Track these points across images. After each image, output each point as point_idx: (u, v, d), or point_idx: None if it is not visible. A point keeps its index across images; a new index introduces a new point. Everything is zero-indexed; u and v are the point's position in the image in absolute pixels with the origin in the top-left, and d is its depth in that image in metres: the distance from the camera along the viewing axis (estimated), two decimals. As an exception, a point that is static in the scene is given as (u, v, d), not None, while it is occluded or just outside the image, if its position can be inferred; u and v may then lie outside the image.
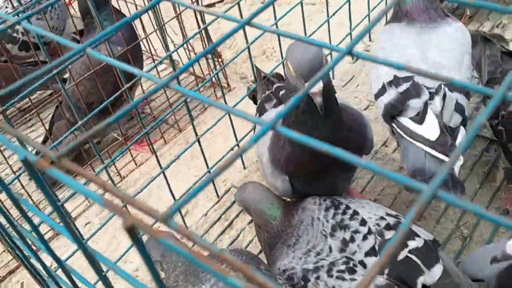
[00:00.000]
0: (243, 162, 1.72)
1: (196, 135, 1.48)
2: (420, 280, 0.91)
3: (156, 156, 1.41)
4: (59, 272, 1.03)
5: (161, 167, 1.40)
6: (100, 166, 1.42)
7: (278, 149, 1.16)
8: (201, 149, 1.50)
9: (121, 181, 1.80)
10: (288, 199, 1.25)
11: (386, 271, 0.93)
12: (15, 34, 2.11)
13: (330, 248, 1.01)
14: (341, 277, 0.95)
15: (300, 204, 1.14)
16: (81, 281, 0.70)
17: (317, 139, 0.35)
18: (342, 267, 0.96)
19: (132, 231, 0.34)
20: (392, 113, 1.22)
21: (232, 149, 1.63)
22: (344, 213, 1.05)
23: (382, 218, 1.03)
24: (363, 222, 1.01)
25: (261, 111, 1.41)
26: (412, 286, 0.91)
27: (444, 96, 1.19)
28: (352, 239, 0.99)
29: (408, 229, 0.30)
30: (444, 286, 0.91)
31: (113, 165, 1.80)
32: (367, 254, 0.97)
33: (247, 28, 0.62)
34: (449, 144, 1.11)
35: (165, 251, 1.08)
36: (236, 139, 1.61)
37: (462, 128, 1.19)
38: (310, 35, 1.81)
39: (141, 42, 1.87)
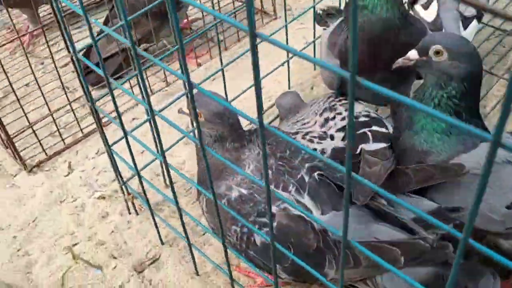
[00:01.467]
0: (289, 83, 1.78)
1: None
2: (361, 146, 1.13)
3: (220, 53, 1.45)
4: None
5: (221, 63, 1.45)
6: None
7: (336, 35, 1.30)
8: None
9: (167, 86, 1.86)
10: None
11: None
12: None
13: (315, 122, 1.25)
14: (311, 140, 1.20)
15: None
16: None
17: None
18: (315, 135, 1.21)
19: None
20: (411, 2, 1.55)
21: (282, 64, 1.68)
22: (339, 100, 1.29)
23: (371, 112, 1.25)
24: None
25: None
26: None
27: None
28: (333, 118, 1.23)
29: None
30: (375, 152, 1.10)
31: (162, 70, 1.86)
32: (338, 130, 1.20)
33: None
34: (438, 23, 1.38)
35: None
36: (288, 54, 1.67)
37: (475, 20, 1.48)
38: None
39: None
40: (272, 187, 1.02)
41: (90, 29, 0.93)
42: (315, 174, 1.03)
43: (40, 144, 1.59)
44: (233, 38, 2.05)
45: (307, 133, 1.23)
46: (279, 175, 1.04)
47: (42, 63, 2.02)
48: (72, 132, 1.71)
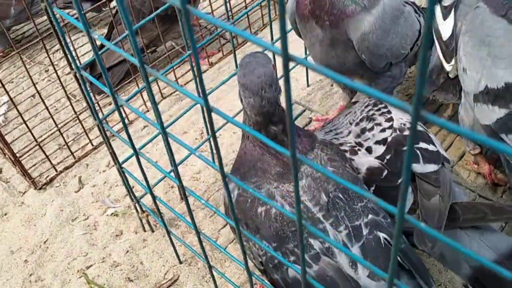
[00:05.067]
0: (307, 80, 1.68)
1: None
2: (412, 166, 0.97)
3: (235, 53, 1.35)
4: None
5: (237, 66, 1.35)
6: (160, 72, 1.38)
7: None
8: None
9: (178, 89, 1.77)
10: None
11: (388, 157, 1.01)
12: None
13: (349, 133, 1.09)
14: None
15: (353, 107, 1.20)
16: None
17: None
18: (347, 148, 1.05)
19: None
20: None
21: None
22: (378, 110, 1.11)
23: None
24: (389, 119, 1.07)
25: None
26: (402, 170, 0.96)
27: None
28: (371, 129, 1.06)
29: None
30: (428, 178, 0.98)
31: (173, 71, 1.77)
32: (377, 142, 1.04)
33: None
34: (451, 48, 1.20)
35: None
36: (306, 51, 1.56)
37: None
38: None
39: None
40: (319, 216, 0.88)
41: (92, 43, 0.84)
42: (380, 235, 0.87)
43: (49, 160, 1.52)
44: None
45: (339, 146, 1.08)
46: (334, 208, 0.89)
47: (47, 71, 1.94)
48: (82, 144, 1.63)
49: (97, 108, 1.66)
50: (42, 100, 1.45)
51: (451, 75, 1.27)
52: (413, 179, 1.01)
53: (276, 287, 0.93)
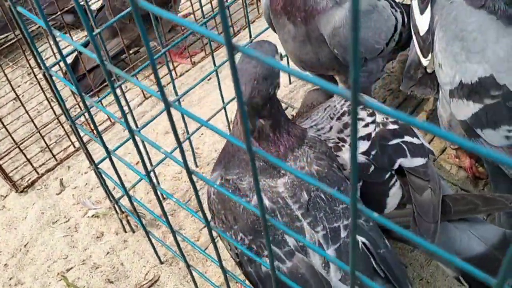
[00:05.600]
0: (289, 77, 1.67)
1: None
2: (400, 161, 0.98)
3: (212, 55, 1.34)
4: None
5: (215, 65, 1.34)
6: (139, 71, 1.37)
7: None
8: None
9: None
10: None
11: (373, 152, 0.99)
12: None
13: (331, 128, 1.07)
14: None
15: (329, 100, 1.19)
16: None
17: None
18: (331, 144, 1.02)
19: None
20: None
21: (281, 58, 1.57)
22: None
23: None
24: (372, 114, 1.05)
25: None
26: (391, 165, 0.98)
27: None
28: None
29: None
30: (417, 172, 0.97)
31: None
32: (361, 138, 1.02)
33: None
34: (428, 43, 1.19)
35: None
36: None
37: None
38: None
39: None
40: (298, 214, 0.87)
41: (57, 44, 0.83)
42: (359, 239, 0.86)
43: (30, 163, 1.51)
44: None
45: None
46: (314, 208, 0.88)
47: (29, 74, 1.93)
48: (64, 146, 1.62)
49: (79, 110, 1.65)
50: (22, 104, 1.44)
51: (428, 70, 1.27)
52: (400, 174, 1.00)
53: (249, 280, 0.93)
